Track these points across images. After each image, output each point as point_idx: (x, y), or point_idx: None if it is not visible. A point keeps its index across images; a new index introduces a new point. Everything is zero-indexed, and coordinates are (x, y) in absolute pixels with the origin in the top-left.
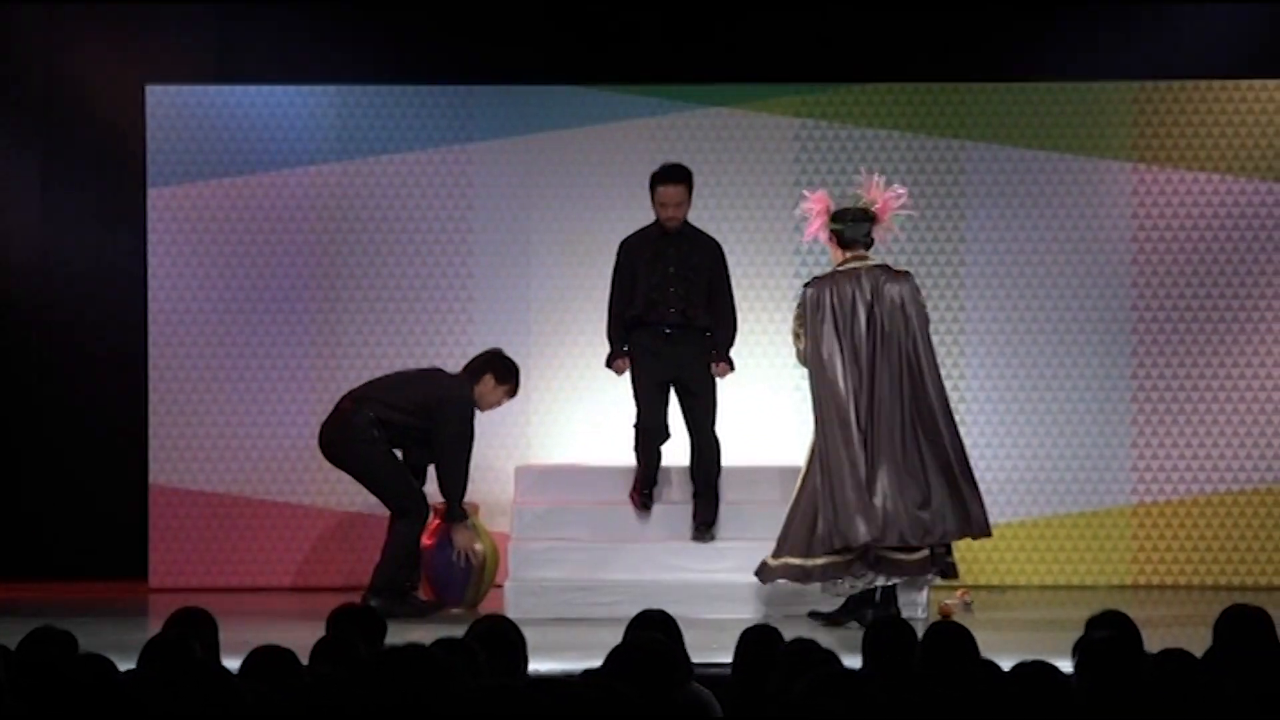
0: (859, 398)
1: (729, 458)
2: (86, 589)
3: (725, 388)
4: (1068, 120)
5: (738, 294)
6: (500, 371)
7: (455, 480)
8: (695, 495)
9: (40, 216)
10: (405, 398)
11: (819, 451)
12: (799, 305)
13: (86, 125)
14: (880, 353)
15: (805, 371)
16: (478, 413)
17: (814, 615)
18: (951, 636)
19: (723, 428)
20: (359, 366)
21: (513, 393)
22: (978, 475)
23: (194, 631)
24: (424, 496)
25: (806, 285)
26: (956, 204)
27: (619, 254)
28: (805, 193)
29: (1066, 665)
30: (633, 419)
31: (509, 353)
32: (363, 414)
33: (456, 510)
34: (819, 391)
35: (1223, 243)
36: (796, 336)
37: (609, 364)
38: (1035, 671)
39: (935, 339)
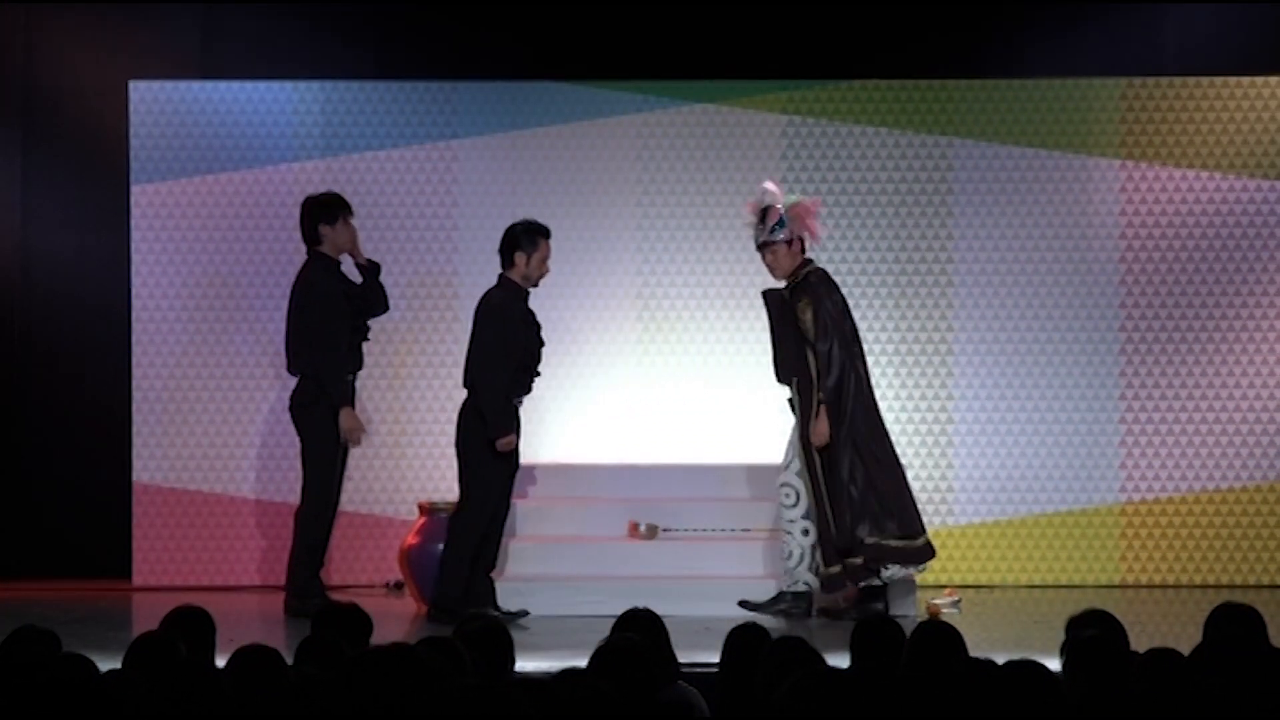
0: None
1: (710, 455)
2: (70, 588)
3: (716, 386)
4: (1055, 117)
5: (730, 292)
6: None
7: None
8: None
9: (22, 214)
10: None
11: (858, 440)
12: (810, 284)
13: (69, 122)
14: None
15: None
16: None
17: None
18: (939, 636)
19: (703, 425)
20: None
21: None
22: (965, 474)
23: (190, 631)
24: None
25: (810, 267)
26: (944, 201)
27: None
28: (771, 186)
29: (1055, 664)
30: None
31: None
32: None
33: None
34: (845, 383)
35: (1211, 240)
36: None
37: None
38: (1024, 670)
39: (923, 336)
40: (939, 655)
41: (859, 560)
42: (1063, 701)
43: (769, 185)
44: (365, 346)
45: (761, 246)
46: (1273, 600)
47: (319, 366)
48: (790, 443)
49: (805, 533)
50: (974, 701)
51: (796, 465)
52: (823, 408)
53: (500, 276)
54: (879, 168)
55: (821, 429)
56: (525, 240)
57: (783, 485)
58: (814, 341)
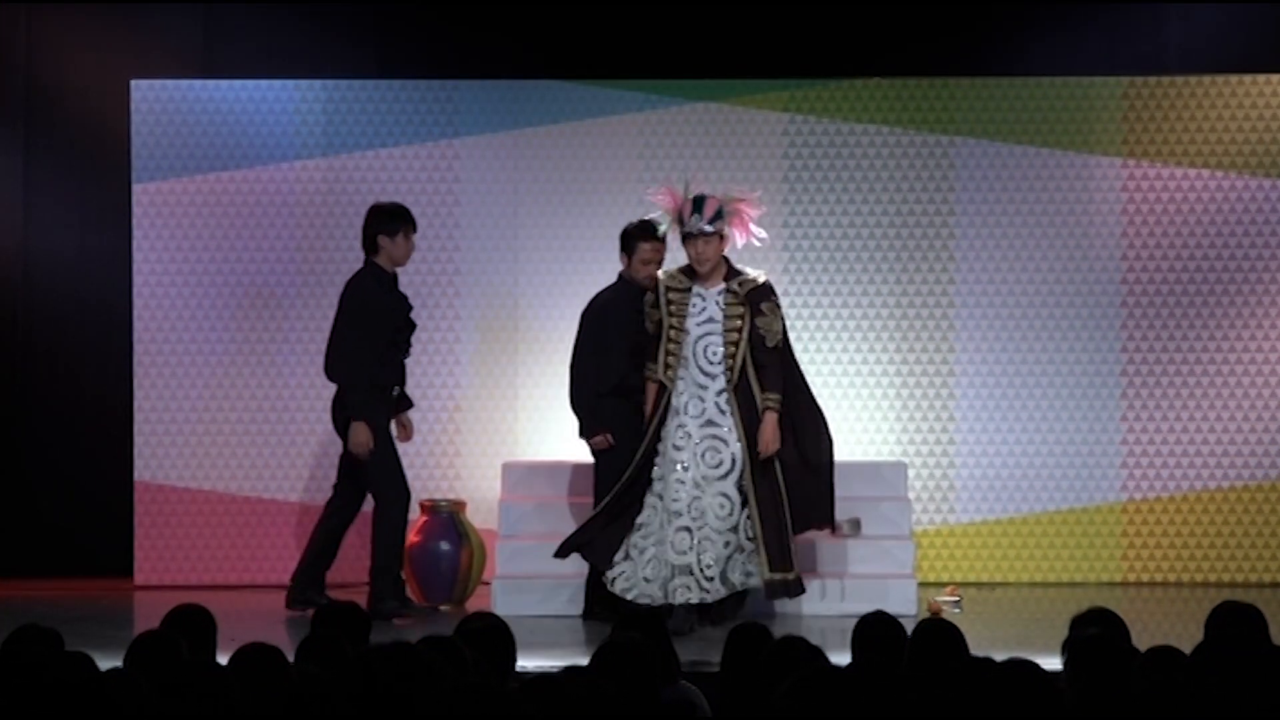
0: None
1: None
2: (71, 586)
3: None
4: (1057, 116)
5: None
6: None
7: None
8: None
9: (24, 212)
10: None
11: (825, 436)
12: (772, 289)
13: (71, 120)
14: None
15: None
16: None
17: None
18: (940, 634)
19: None
20: None
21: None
22: (966, 472)
23: (191, 630)
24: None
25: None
26: (946, 199)
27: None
28: (674, 191)
29: (1056, 663)
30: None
31: (495, 349)
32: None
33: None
34: (800, 384)
35: (1213, 239)
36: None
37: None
38: (1018, 669)
39: (925, 335)
40: (940, 654)
41: (794, 575)
42: (1057, 700)
43: (667, 193)
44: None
45: (696, 235)
46: (1274, 599)
47: (342, 374)
48: (725, 449)
49: (727, 544)
50: (971, 700)
51: (737, 474)
52: (771, 414)
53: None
54: (880, 166)
55: (770, 434)
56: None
57: (722, 495)
58: (780, 349)
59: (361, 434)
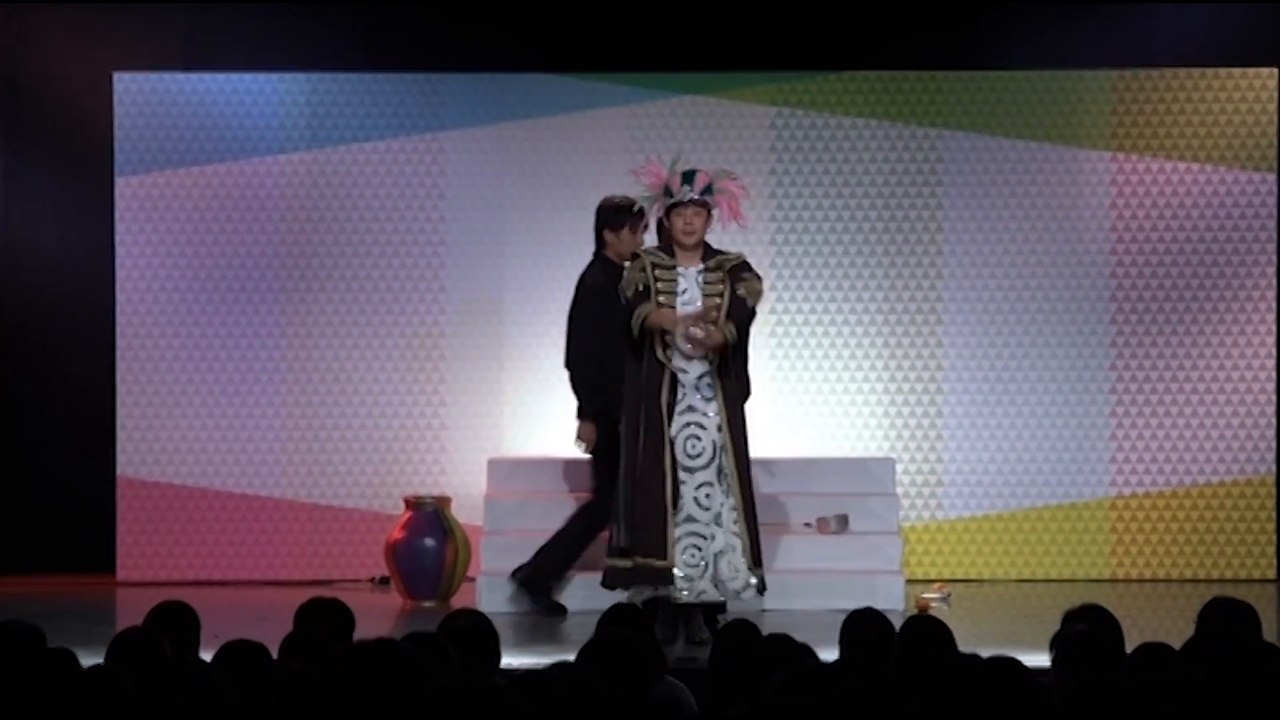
0: None
1: None
2: (54, 582)
3: None
4: (1046, 109)
5: None
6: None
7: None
8: None
9: (6, 206)
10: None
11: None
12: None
13: (54, 113)
14: None
15: (780, 361)
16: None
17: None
18: (928, 631)
19: None
20: (329, 357)
21: (636, 227)
22: (954, 467)
23: (175, 627)
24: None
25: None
26: (934, 193)
27: None
28: (659, 167)
29: (1044, 660)
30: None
31: (480, 344)
32: None
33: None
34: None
35: (1202, 233)
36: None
37: None
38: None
39: (912, 329)
40: (927, 650)
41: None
42: (1039, 698)
43: (652, 168)
44: (348, 339)
45: (686, 204)
46: (1265, 594)
47: (570, 367)
48: (706, 435)
49: (712, 538)
50: (956, 697)
51: (721, 461)
52: (720, 334)
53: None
54: (868, 160)
55: (711, 339)
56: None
57: (704, 485)
58: (749, 304)
59: (586, 432)
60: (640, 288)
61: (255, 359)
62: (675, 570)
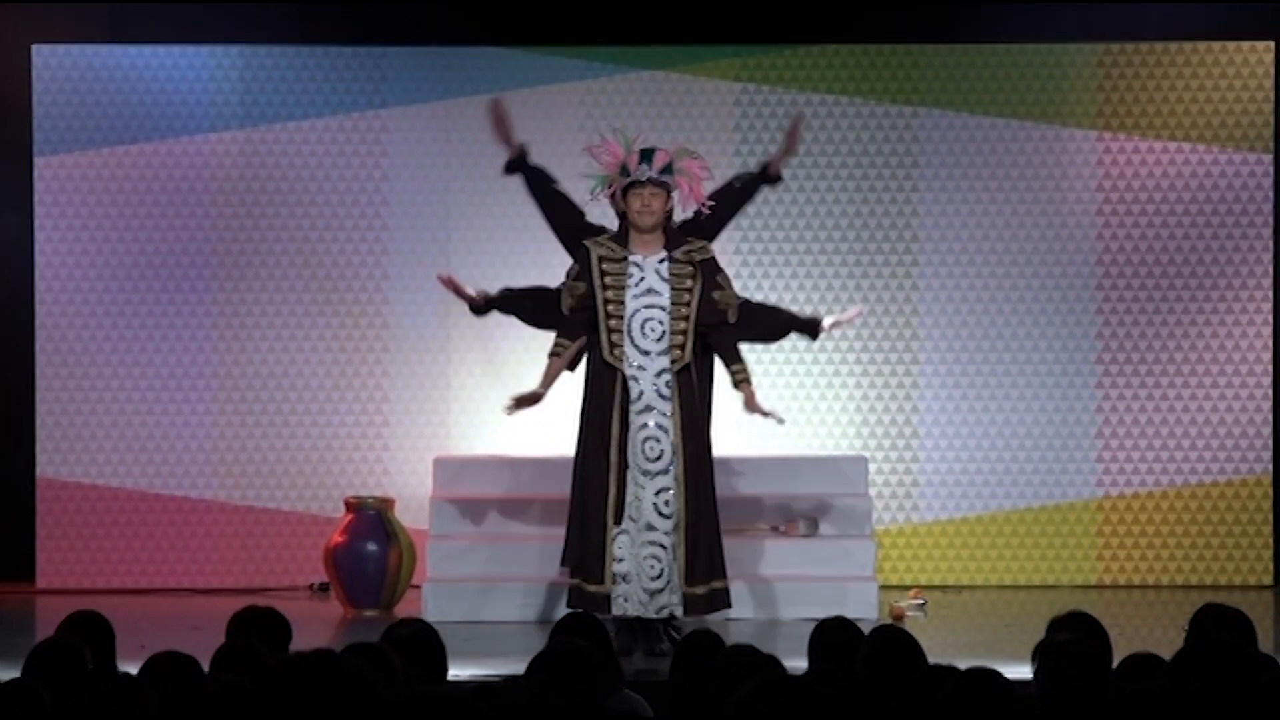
0: None
1: None
2: None
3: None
4: (1028, 85)
5: None
6: None
7: None
8: None
9: None
10: None
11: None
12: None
13: None
14: None
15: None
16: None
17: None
18: (894, 642)
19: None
20: (264, 349)
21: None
22: (931, 467)
23: (88, 638)
24: None
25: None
26: (909, 175)
27: None
28: (615, 145)
29: (1026, 671)
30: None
31: (426, 335)
32: None
33: None
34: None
35: (1194, 217)
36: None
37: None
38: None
39: (886, 320)
40: (894, 662)
41: (723, 585)
42: (1017, 710)
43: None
44: (284, 331)
45: (644, 184)
46: (1260, 601)
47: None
48: (666, 438)
49: (674, 546)
50: (928, 710)
51: (678, 466)
52: (748, 385)
53: None
54: (839, 139)
55: (758, 403)
56: None
57: (664, 490)
58: (729, 320)
59: None
60: (575, 297)
61: (185, 351)
62: (611, 594)
